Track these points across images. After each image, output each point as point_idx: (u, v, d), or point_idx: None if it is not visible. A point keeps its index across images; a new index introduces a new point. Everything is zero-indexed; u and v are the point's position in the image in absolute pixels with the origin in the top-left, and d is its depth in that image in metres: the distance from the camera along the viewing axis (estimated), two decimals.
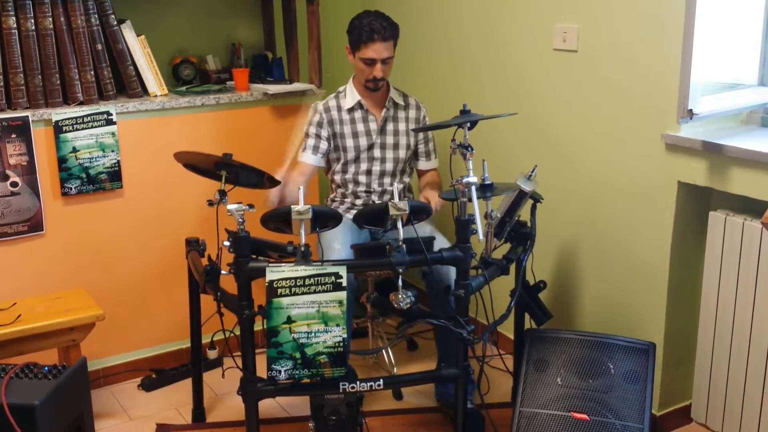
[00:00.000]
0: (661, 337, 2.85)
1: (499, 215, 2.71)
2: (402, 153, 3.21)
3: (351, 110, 3.17)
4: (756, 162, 2.47)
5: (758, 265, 2.56)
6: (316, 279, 2.40)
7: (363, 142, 3.18)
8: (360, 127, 3.18)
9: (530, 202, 2.82)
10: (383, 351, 3.43)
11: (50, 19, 3.03)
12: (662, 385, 2.88)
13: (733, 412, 2.72)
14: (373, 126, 3.18)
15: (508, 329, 3.25)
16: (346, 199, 3.22)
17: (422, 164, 3.28)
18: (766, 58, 2.68)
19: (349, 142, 3.17)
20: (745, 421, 2.68)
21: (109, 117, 3.15)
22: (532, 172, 2.73)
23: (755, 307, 2.59)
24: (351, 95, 3.18)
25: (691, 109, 2.45)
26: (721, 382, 2.74)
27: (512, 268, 2.80)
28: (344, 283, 2.41)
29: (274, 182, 2.72)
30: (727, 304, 2.68)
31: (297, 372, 2.44)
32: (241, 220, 2.46)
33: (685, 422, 2.95)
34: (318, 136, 3.17)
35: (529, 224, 2.88)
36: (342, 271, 2.40)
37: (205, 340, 3.08)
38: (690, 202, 2.75)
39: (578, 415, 2.61)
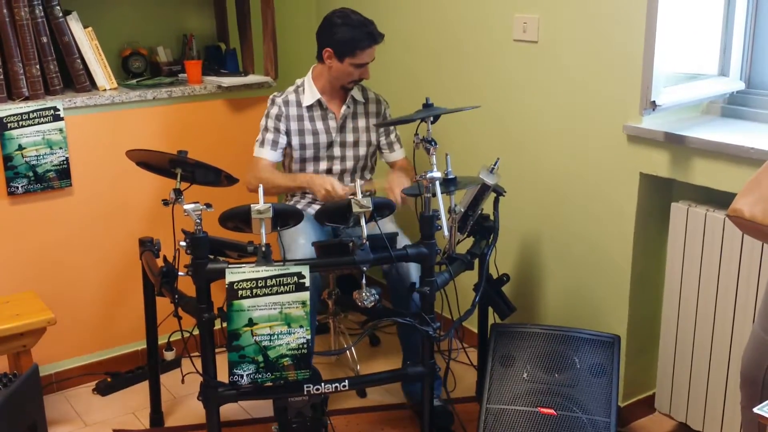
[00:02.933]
0: (624, 328, 2.85)
1: (462, 209, 2.68)
2: (362, 150, 3.13)
3: (310, 107, 3.08)
4: (718, 153, 2.46)
5: (720, 256, 2.56)
6: (278, 279, 2.33)
7: (323, 139, 3.09)
8: (319, 124, 3.08)
9: (493, 195, 2.79)
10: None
11: None
12: (625, 375, 2.88)
13: (696, 401, 2.72)
14: (332, 124, 3.09)
15: (471, 323, 3.22)
16: (307, 194, 3.15)
17: (387, 156, 3.21)
18: (726, 47, 2.67)
19: (309, 140, 3.08)
20: (708, 410, 2.69)
21: (57, 113, 3.03)
22: (495, 164, 2.70)
23: (718, 298, 2.60)
24: (310, 92, 3.07)
25: (654, 101, 2.43)
26: (684, 372, 2.75)
27: (475, 262, 2.77)
28: (307, 283, 2.35)
29: (231, 180, 2.63)
30: (690, 294, 2.68)
31: (260, 376, 2.38)
32: (198, 220, 2.38)
33: (649, 412, 2.97)
34: (277, 130, 3.08)
35: (492, 218, 2.85)
36: (305, 270, 2.34)
37: (162, 340, 3.01)
38: (652, 193, 2.75)
39: (545, 410, 2.59)
